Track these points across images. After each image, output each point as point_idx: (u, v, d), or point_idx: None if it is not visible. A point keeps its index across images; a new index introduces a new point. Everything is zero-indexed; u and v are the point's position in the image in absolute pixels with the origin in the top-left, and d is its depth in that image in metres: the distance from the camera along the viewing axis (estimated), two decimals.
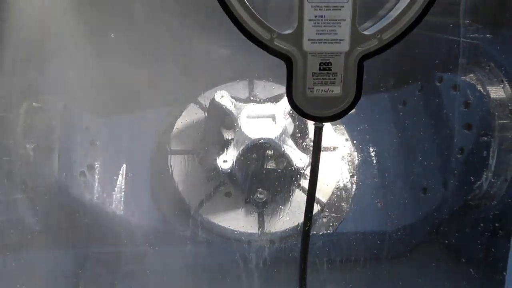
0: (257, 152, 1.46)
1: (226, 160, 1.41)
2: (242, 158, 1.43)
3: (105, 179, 1.62)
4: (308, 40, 0.88)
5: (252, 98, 1.62)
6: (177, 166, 1.58)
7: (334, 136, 1.69)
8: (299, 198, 1.56)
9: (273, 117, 1.45)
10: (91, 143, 1.62)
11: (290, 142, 1.44)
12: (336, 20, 0.86)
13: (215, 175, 1.51)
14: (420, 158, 1.68)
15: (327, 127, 1.63)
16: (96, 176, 1.62)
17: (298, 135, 1.56)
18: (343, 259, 1.60)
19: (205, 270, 1.55)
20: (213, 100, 1.49)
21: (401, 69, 1.70)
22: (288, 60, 0.89)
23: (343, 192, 1.65)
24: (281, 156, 1.44)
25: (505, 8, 1.48)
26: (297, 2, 0.86)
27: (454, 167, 1.59)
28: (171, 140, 1.61)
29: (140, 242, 1.56)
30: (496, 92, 1.54)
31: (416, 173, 1.69)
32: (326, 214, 1.62)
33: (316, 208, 1.57)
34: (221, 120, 1.51)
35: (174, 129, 1.62)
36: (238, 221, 1.53)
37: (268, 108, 1.46)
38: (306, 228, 0.96)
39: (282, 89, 1.53)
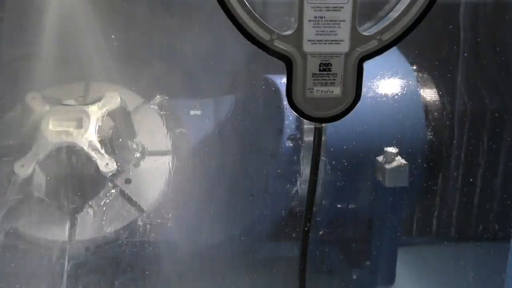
0: (63, 156, 1.42)
1: (24, 165, 1.37)
2: (46, 163, 1.40)
3: None
4: (308, 41, 0.87)
5: (80, 100, 1.55)
6: None
7: (174, 139, 1.66)
8: (114, 203, 1.54)
9: (79, 120, 1.43)
10: None
11: (98, 146, 1.43)
12: (336, 21, 0.86)
13: (27, 181, 1.44)
14: (246, 163, 1.66)
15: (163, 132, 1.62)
16: None
17: (120, 139, 1.54)
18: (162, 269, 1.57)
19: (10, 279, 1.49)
20: (23, 101, 1.45)
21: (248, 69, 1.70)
22: (288, 61, 0.88)
23: (170, 199, 1.63)
24: (89, 161, 1.42)
25: None
26: (297, 3, 0.85)
27: (273, 172, 1.61)
28: None
29: None
30: None
31: (241, 179, 1.68)
32: (149, 221, 1.59)
33: (135, 214, 1.55)
34: (34, 123, 1.45)
35: None
36: (48, 229, 1.48)
37: (76, 110, 1.44)
38: (306, 229, 0.96)
39: (111, 88, 1.52)
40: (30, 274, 1.46)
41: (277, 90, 1.58)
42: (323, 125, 0.92)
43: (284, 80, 1.54)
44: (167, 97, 1.61)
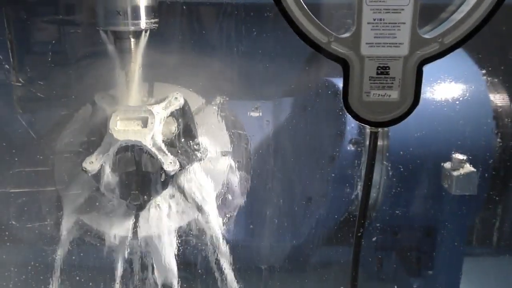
0: (128, 154, 1.44)
1: (93, 161, 1.40)
2: (112, 160, 1.42)
3: None
4: (366, 43, 0.86)
5: (145, 100, 1.56)
6: (61, 166, 1.55)
7: (233, 141, 1.64)
8: (175, 202, 1.55)
9: (145, 120, 1.44)
10: None
11: (162, 145, 1.43)
12: (396, 23, 0.84)
13: (95, 177, 1.46)
14: (305, 166, 1.64)
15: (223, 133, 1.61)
16: None
17: (182, 139, 1.53)
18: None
19: (74, 271, 1.54)
20: (93, 101, 1.48)
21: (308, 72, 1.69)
22: (344, 64, 0.87)
23: (228, 200, 1.61)
24: (153, 159, 1.44)
25: None
26: (356, 5, 0.83)
27: (332, 176, 1.58)
28: (60, 139, 1.57)
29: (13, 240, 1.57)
30: None
31: (300, 182, 1.65)
32: (207, 221, 1.57)
33: (194, 214, 1.54)
34: (102, 122, 1.47)
35: (65, 129, 1.59)
36: (112, 224, 1.50)
37: (141, 110, 1.45)
38: (359, 234, 0.95)
39: (174, 89, 1.53)
40: (93, 267, 1.53)
41: (338, 92, 1.56)
42: (379, 129, 0.90)
43: None
44: (227, 99, 1.63)
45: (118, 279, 1.51)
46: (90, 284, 1.55)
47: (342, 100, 0.88)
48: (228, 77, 1.61)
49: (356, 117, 0.89)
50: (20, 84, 1.63)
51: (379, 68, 0.86)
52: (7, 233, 1.56)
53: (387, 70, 0.86)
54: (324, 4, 1.07)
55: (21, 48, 1.62)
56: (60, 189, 1.52)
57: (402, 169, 1.52)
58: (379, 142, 1.50)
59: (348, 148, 1.56)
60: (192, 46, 1.61)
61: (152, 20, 1.34)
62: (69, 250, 1.49)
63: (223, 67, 1.59)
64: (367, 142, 1.49)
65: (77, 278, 1.54)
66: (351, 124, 1.55)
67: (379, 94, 0.88)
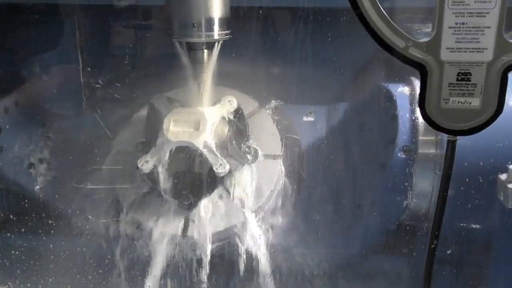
0: (180, 155, 1.46)
1: (147, 160, 1.44)
2: (164, 161, 1.45)
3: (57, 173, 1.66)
4: (446, 48, 0.82)
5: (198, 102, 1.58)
6: (117, 164, 1.59)
7: (285, 145, 1.63)
8: (224, 203, 1.54)
9: (197, 122, 1.45)
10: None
11: (213, 147, 1.45)
12: (480, 27, 0.80)
13: (149, 176, 1.49)
14: (355, 172, 1.60)
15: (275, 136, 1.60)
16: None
17: (234, 141, 1.53)
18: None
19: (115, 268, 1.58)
20: (150, 103, 1.51)
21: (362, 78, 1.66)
22: (422, 70, 0.84)
23: (276, 204, 1.59)
24: (204, 161, 1.45)
25: None
26: (436, 9, 0.80)
27: (381, 184, 1.54)
28: (116, 140, 1.62)
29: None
30: None
31: (349, 189, 1.61)
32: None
33: (242, 216, 1.53)
34: (158, 123, 1.50)
35: (123, 130, 1.63)
36: (163, 223, 1.52)
37: (195, 112, 1.46)
38: (432, 246, 0.91)
39: (228, 93, 1.54)
40: (139, 261, 1.55)
41: (392, 99, 1.52)
42: (457, 138, 0.86)
43: (400, 89, 1.52)
44: (281, 103, 1.62)
45: (166, 276, 1.52)
46: (140, 278, 1.56)
47: (418, 107, 0.85)
48: (282, 82, 1.60)
49: (433, 124, 0.85)
50: (94, 86, 1.68)
51: (460, 74, 0.83)
52: (87, 227, 1.60)
53: (469, 76, 0.83)
54: (402, 8, 1.03)
55: (96, 51, 1.66)
56: (116, 186, 1.55)
57: (467, 180, 1.45)
58: (433, 150, 1.45)
59: (399, 156, 1.51)
60: (252, 51, 1.61)
61: (225, 32, 1.36)
62: (121, 246, 1.53)
63: (280, 70, 1.58)
64: (420, 150, 1.47)
65: (133, 272, 1.56)
66: (403, 131, 1.51)
67: (458, 101, 0.84)
